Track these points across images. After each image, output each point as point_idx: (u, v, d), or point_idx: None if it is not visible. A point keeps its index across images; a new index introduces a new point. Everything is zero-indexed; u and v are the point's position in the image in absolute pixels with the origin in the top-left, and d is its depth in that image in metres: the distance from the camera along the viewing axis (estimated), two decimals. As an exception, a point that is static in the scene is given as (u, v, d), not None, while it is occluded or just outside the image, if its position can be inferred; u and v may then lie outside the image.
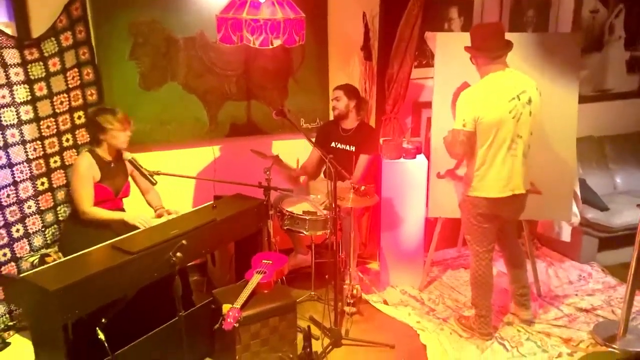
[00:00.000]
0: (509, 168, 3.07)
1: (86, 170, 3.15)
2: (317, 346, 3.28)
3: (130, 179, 3.41)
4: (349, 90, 3.89)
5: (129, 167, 3.33)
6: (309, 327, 3.11)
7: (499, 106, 2.99)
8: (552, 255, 4.51)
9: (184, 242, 2.61)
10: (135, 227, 3.13)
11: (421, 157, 3.96)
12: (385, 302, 3.85)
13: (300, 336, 3.19)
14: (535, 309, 3.72)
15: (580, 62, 3.97)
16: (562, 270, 4.28)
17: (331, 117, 4.24)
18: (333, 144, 3.94)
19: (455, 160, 3.61)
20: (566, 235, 4.24)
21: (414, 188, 3.90)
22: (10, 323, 3.35)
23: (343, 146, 3.93)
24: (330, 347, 3.30)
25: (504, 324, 3.57)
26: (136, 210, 3.39)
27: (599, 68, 4.94)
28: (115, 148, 3.23)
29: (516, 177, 3.10)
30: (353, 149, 3.88)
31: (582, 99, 4.13)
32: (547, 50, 3.68)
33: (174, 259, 2.55)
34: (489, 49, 3.03)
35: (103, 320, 2.65)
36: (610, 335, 3.40)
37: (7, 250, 3.27)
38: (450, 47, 3.72)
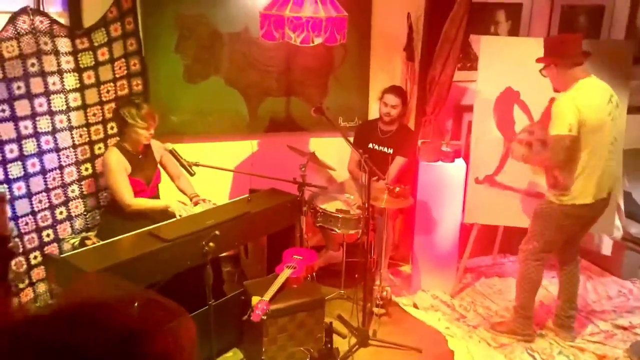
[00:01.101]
0: (609, 171, 3.10)
1: (117, 165, 3.18)
2: (343, 345, 3.29)
3: (159, 166, 3.45)
4: (405, 97, 3.88)
5: (158, 154, 3.39)
6: (331, 323, 3.11)
7: (599, 109, 2.99)
8: (592, 268, 4.37)
9: (217, 232, 2.66)
10: (173, 216, 3.19)
11: (460, 161, 3.90)
12: (415, 306, 3.82)
13: (327, 333, 3.20)
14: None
15: (632, 72, 3.83)
16: (602, 285, 4.14)
17: (370, 117, 4.23)
18: (371, 145, 3.93)
19: (556, 169, 3.45)
20: (606, 249, 4.11)
21: (451, 192, 3.85)
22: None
23: (381, 148, 3.91)
24: (357, 346, 3.29)
25: (536, 335, 3.48)
26: (171, 196, 3.46)
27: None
28: (139, 142, 3.26)
29: (609, 179, 3.11)
30: (391, 151, 3.86)
31: (632, 110, 3.98)
32: (597, 58, 3.55)
33: (206, 248, 2.61)
34: (572, 55, 2.99)
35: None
36: (648, 355, 3.28)
37: (50, 231, 3.40)
38: (494, 51, 3.66)
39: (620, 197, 3.83)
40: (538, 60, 3.08)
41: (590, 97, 2.99)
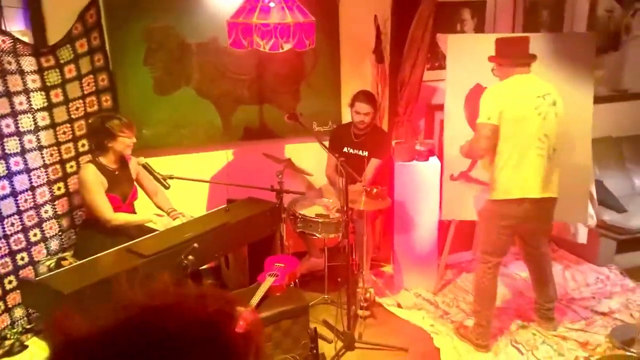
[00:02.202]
0: (537, 168, 3.02)
1: (94, 181, 3.15)
2: (330, 350, 3.28)
3: (136, 184, 3.42)
4: (375, 102, 3.88)
5: (134, 171, 3.36)
6: (315, 328, 3.11)
7: (524, 101, 3.00)
8: (569, 257, 4.45)
9: (195, 245, 2.64)
10: (151, 231, 3.16)
11: (434, 160, 3.94)
12: (399, 306, 3.83)
13: (313, 339, 3.19)
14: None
15: (596, 62, 3.92)
16: (580, 273, 4.22)
17: (344, 121, 4.25)
18: (346, 149, 3.94)
19: (477, 159, 3.55)
20: (582, 237, 4.18)
21: (427, 190, 3.88)
22: (28, 326, 3.41)
23: (356, 151, 3.93)
24: (344, 350, 3.29)
25: (519, 327, 3.53)
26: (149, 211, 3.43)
27: (616, 68, 4.87)
28: (120, 155, 3.24)
29: (546, 178, 3.05)
30: (366, 154, 3.88)
31: (599, 99, 4.08)
32: (561, 51, 3.65)
33: (185, 262, 2.58)
34: (514, 58, 3.04)
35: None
36: (628, 339, 3.34)
37: (24, 254, 3.33)
38: (462, 48, 3.71)
39: (592, 185, 3.91)
40: (489, 59, 3.16)
41: (516, 90, 3.02)
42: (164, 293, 0.75)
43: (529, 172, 3.02)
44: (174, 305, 0.73)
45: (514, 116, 2.97)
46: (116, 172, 3.27)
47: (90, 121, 3.51)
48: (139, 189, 3.45)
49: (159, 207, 3.49)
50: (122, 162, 3.30)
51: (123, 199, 3.29)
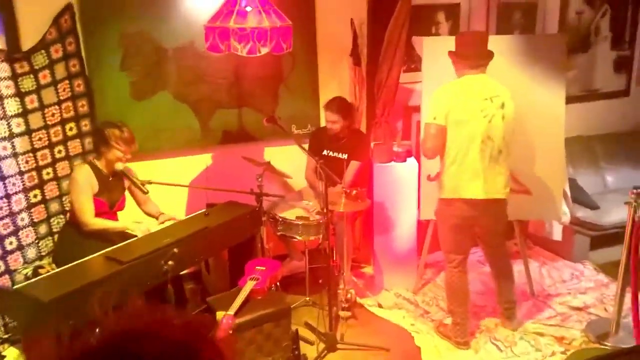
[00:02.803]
0: (481, 169, 3.05)
1: (84, 182, 3.14)
2: (312, 352, 3.30)
3: (127, 192, 3.41)
4: (344, 110, 3.85)
5: (127, 180, 3.34)
6: (296, 330, 3.12)
7: (469, 103, 3.03)
8: (544, 254, 4.54)
9: (175, 250, 2.63)
10: (131, 237, 3.14)
11: (412, 160, 3.99)
12: (380, 306, 3.87)
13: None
14: (529, 308, 3.75)
15: (567, 63, 4.02)
16: (555, 270, 4.31)
17: (322, 123, 4.27)
18: (325, 152, 3.96)
19: (428, 158, 3.59)
20: (557, 234, 4.28)
21: (406, 191, 3.93)
22: (5, 336, 3.35)
23: (335, 154, 3.95)
24: (326, 351, 3.31)
25: (497, 324, 3.59)
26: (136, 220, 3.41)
27: (586, 68, 4.99)
28: (112, 163, 3.22)
29: (489, 179, 3.07)
30: (345, 156, 3.90)
31: (571, 99, 4.17)
32: (533, 52, 3.73)
33: (165, 267, 2.58)
34: (470, 57, 3.08)
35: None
36: (602, 333, 3.43)
37: (0, 262, 3.27)
38: (437, 51, 3.75)
39: (565, 183, 4.00)
40: (448, 54, 3.20)
41: (463, 91, 3.07)
42: (138, 317, 0.76)
43: (470, 173, 3.06)
44: (149, 330, 0.73)
45: (458, 118, 3.03)
46: (109, 178, 3.26)
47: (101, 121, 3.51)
48: (128, 200, 3.43)
49: (148, 215, 3.47)
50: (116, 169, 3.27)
51: (110, 206, 3.28)
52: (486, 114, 3.02)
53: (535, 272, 4.20)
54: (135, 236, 3.16)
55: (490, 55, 3.11)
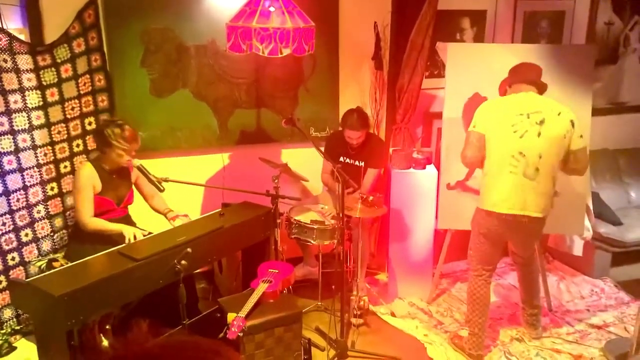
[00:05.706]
0: (511, 185, 3.00)
1: (86, 181, 3.11)
2: (322, 358, 3.25)
3: (134, 187, 3.38)
4: (367, 125, 3.80)
5: (134, 175, 3.33)
6: (309, 340, 3.07)
7: (503, 118, 3.01)
8: (564, 269, 4.44)
9: (188, 250, 2.61)
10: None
11: (431, 168, 3.92)
12: (393, 314, 3.80)
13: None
14: (546, 323, 3.66)
15: (594, 75, 3.92)
16: (574, 285, 4.21)
17: (340, 127, 4.22)
18: (342, 159, 3.90)
19: (467, 168, 3.57)
20: (578, 250, 4.17)
21: (424, 199, 3.87)
22: (17, 327, 3.36)
23: (352, 161, 3.89)
24: (336, 358, 3.26)
25: (513, 339, 3.51)
26: (144, 216, 3.39)
27: (614, 80, 4.88)
28: (116, 161, 3.17)
29: (522, 196, 3.00)
30: (362, 164, 3.84)
31: (597, 112, 4.08)
32: (560, 62, 3.64)
33: (178, 266, 2.55)
34: (529, 81, 3.09)
35: (107, 327, 2.65)
36: (621, 353, 3.32)
37: (15, 254, 3.29)
38: (461, 57, 3.70)
39: (589, 198, 3.91)
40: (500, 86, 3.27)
41: (504, 104, 3.07)
42: (144, 344, 0.75)
43: (502, 188, 3.02)
44: (158, 357, 0.73)
45: (493, 132, 3.02)
46: (113, 175, 3.23)
47: (102, 120, 3.51)
48: (135, 193, 3.41)
49: (156, 210, 3.45)
50: (121, 167, 3.25)
51: (117, 202, 3.25)
52: (517, 129, 2.97)
53: (554, 287, 4.11)
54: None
55: (545, 86, 3.13)
